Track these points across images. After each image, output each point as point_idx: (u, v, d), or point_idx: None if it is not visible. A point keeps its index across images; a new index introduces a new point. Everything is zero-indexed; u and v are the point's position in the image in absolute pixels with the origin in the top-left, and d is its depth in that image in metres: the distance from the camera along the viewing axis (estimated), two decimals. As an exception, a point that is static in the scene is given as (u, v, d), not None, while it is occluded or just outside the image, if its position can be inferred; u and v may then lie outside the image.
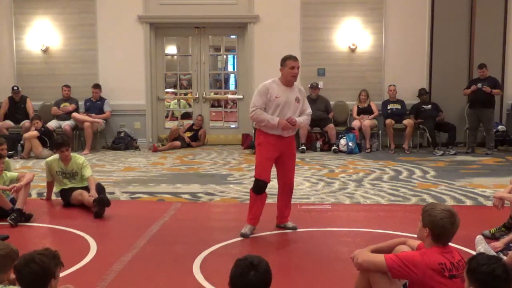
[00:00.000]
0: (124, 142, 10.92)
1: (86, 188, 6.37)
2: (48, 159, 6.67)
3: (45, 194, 6.80)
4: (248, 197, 5.79)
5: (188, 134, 11.36)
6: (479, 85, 10.10)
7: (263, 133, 5.30)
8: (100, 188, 6.13)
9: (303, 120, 5.40)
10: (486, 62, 10.31)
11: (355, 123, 10.75)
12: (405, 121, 10.57)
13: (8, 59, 11.32)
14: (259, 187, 5.25)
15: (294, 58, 5.30)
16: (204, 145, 11.39)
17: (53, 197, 6.77)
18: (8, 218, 5.60)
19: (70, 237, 5.31)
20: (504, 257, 3.79)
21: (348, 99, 11.16)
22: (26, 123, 10.54)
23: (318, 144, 10.70)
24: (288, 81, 5.27)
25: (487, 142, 10.34)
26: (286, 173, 5.42)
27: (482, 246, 4.53)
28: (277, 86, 5.27)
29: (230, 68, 14.84)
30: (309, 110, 5.49)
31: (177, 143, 11.01)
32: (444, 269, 2.99)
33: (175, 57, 13.46)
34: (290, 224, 5.50)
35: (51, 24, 11.20)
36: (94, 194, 6.15)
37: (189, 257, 4.64)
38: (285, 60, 5.30)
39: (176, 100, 13.77)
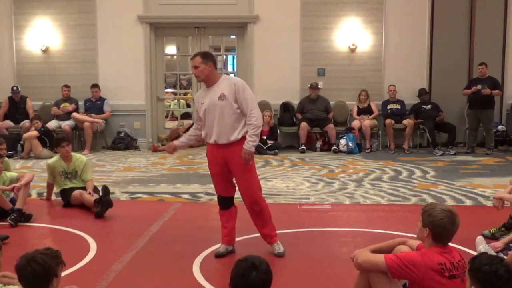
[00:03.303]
0: (124, 142, 10.92)
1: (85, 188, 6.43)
2: (49, 161, 6.68)
3: (45, 194, 6.80)
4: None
5: (188, 134, 11.34)
6: (479, 86, 10.09)
7: (207, 143, 4.80)
8: (105, 190, 6.13)
9: (252, 138, 4.49)
10: (486, 62, 10.30)
11: (355, 123, 10.75)
12: (405, 121, 10.58)
13: (8, 59, 11.32)
14: (219, 202, 4.81)
15: (192, 57, 4.67)
16: (204, 145, 11.35)
17: (53, 197, 6.77)
18: (8, 218, 5.61)
19: (70, 237, 5.32)
20: (505, 257, 3.79)
21: (348, 99, 11.15)
22: (26, 123, 10.54)
23: (318, 144, 10.70)
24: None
25: (487, 142, 10.34)
26: (241, 192, 4.71)
27: (483, 246, 4.53)
28: (203, 91, 4.69)
29: (230, 68, 14.83)
30: (251, 112, 4.51)
31: (177, 143, 10.99)
32: (444, 269, 2.99)
33: (175, 57, 13.47)
34: (275, 247, 4.73)
35: (51, 24, 11.19)
36: (92, 193, 6.21)
37: (189, 257, 4.64)
38: None
39: (176, 100, 13.77)
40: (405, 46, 11.04)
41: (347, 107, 11.21)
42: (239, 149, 4.54)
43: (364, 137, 10.63)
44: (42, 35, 11.19)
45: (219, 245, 4.85)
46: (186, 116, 13.45)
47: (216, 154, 4.64)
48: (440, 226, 3.06)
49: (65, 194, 6.44)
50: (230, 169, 4.65)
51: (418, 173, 8.38)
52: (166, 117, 13.20)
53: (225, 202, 4.78)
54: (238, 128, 4.56)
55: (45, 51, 11.28)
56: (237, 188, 4.81)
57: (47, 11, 11.19)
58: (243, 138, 4.57)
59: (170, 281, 4.24)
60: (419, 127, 10.65)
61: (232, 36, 12.39)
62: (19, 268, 2.74)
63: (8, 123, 10.78)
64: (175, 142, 5.04)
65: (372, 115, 10.83)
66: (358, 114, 10.92)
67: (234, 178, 4.75)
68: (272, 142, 10.44)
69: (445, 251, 3.08)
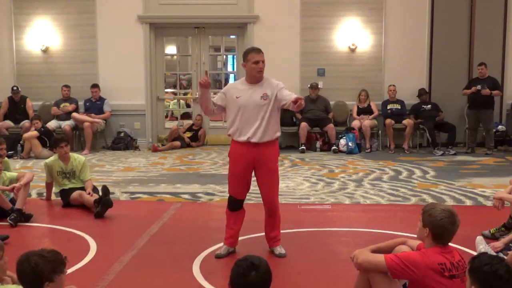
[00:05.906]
0: (124, 142, 10.92)
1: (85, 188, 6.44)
2: (47, 160, 6.67)
3: (45, 194, 6.80)
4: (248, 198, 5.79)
5: (188, 134, 11.36)
6: (479, 86, 10.09)
7: (233, 142, 4.68)
8: (105, 190, 6.13)
9: (289, 95, 4.57)
10: (486, 62, 10.31)
11: (355, 123, 10.75)
12: (405, 121, 10.57)
13: (8, 59, 11.31)
14: (230, 203, 4.75)
15: (257, 51, 4.65)
16: (204, 145, 11.39)
17: (53, 197, 6.78)
18: (8, 218, 5.61)
19: (70, 237, 5.32)
20: (505, 257, 3.79)
21: (348, 99, 11.15)
22: (26, 123, 10.53)
23: (318, 144, 10.70)
24: (252, 77, 4.62)
25: (487, 142, 10.34)
26: (263, 192, 4.68)
27: (483, 247, 4.53)
28: (241, 85, 4.67)
29: (229, 68, 14.85)
30: (290, 97, 4.54)
31: (177, 143, 11.01)
32: (444, 269, 2.99)
33: (175, 57, 13.47)
34: (277, 250, 4.75)
35: (51, 24, 11.19)
36: (91, 193, 6.23)
37: (189, 257, 4.65)
38: (247, 54, 4.63)
39: (175, 100, 13.76)
40: (405, 46, 11.04)
41: (347, 107, 11.21)
42: (272, 150, 4.62)
43: (364, 137, 10.62)
44: (42, 35, 11.19)
45: (219, 245, 4.85)
46: (186, 116, 13.44)
47: (245, 153, 4.58)
48: (440, 226, 3.06)
49: (65, 194, 6.44)
50: (257, 168, 4.62)
51: (418, 173, 8.38)
52: (166, 117, 13.21)
53: (237, 204, 4.75)
54: (274, 129, 4.62)
55: (45, 51, 11.28)
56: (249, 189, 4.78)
57: (47, 11, 11.18)
58: (276, 139, 4.66)
59: (170, 281, 4.24)
60: (419, 127, 10.64)
61: (232, 36, 12.39)
62: (16, 266, 2.71)
63: (8, 123, 10.77)
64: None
65: (372, 115, 10.83)
66: (358, 114, 10.92)
67: (256, 178, 4.68)
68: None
69: (445, 251, 3.08)
